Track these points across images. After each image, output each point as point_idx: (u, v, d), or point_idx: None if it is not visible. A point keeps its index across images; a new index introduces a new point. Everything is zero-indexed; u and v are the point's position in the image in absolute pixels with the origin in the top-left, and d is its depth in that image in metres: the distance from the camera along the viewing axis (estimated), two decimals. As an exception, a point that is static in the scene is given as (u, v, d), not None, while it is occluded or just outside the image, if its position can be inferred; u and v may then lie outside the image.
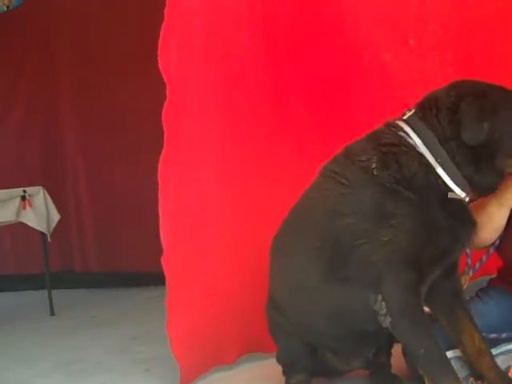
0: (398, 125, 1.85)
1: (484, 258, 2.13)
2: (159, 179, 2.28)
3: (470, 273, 2.12)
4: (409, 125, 1.83)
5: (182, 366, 2.37)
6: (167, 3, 2.25)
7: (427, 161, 1.79)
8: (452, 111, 1.79)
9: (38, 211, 3.94)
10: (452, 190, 1.80)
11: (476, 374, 1.94)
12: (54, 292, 4.16)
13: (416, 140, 1.80)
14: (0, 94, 5.19)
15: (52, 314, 4.10)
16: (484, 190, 1.86)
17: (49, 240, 4.07)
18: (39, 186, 4.04)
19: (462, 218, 1.83)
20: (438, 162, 1.78)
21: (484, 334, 1.92)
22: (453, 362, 1.95)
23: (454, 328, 1.93)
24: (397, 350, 2.11)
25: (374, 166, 1.80)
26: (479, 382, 1.95)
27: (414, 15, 2.62)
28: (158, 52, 2.27)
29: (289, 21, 2.62)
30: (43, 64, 5.01)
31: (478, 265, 2.14)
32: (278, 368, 2.17)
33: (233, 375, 2.50)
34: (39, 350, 3.21)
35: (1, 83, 5.14)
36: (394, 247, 1.75)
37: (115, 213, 4.87)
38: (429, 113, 1.82)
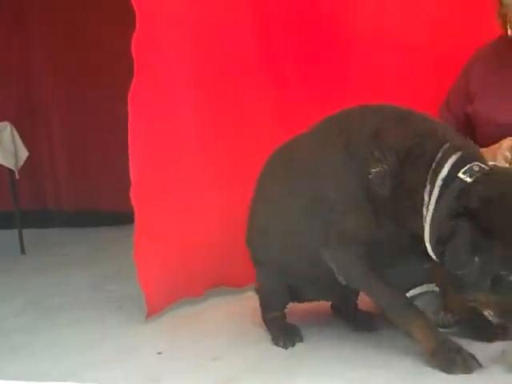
0: (438, 174, 1.67)
1: None
2: (129, 110, 2.23)
3: None
4: (451, 182, 1.65)
5: (148, 296, 2.40)
6: None
7: (417, 223, 1.69)
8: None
9: (5, 147, 3.87)
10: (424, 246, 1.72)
11: (447, 307, 1.97)
12: (25, 231, 4.11)
13: (431, 204, 1.67)
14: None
15: (23, 252, 4.06)
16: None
17: (17, 177, 4.00)
18: (6, 121, 3.94)
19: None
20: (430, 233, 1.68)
21: None
22: (424, 297, 1.99)
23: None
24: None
25: (375, 170, 1.73)
26: (450, 315, 1.98)
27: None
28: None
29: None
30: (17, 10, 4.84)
31: None
32: (252, 303, 2.19)
33: (204, 310, 2.52)
34: (10, 288, 3.18)
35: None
36: (347, 226, 1.79)
37: (88, 151, 4.81)
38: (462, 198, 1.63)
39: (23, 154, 4.01)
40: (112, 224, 4.46)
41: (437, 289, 1.99)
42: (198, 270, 2.51)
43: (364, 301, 2.15)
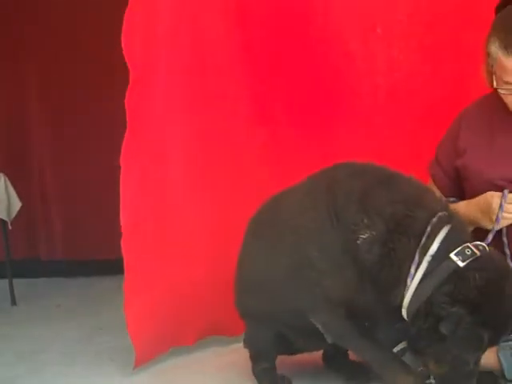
0: (428, 248, 1.71)
1: None
2: (121, 164, 2.28)
3: None
4: (442, 260, 1.70)
5: (136, 346, 2.39)
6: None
7: (399, 292, 1.73)
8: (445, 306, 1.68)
9: (-1, 198, 3.87)
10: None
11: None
12: (16, 281, 4.07)
13: (416, 277, 1.70)
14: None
15: (13, 303, 4.02)
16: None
17: (9, 227, 4.00)
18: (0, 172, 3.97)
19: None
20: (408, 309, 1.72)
21: None
22: (407, 355, 1.97)
23: None
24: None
25: (364, 236, 1.75)
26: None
27: (383, 4, 2.61)
28: (122, 37, 2.24)
29: (262, 10, 2.60)
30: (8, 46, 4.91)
31: None
32: (243, 354, 2.18)
33: (193, 362, 2.50)
34: (1, 340, 3.14)
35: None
36: (331, 291, 1.81)
37: (81, 202, 4.81)
38: (459, 286, 1.68)
39: (16, 204, 4.01)
40: (105, 274, 4.42)
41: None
42: (189, 320, 2.51)
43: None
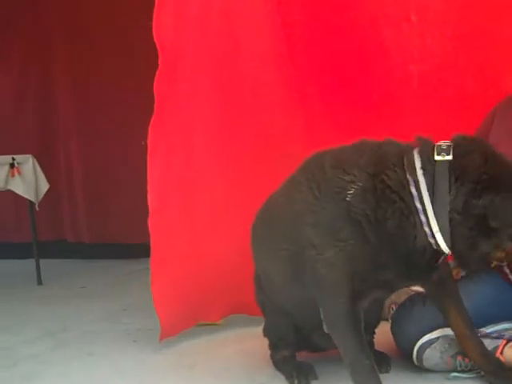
0: (413, 165, 1.69)
1: None
2: (148, 143, 2.31)
3: None
4: (433, 166, 1.67)
5: (162, 320, 2.43)
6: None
7: (418, 218, 1.67)
8: (473, 191, 1.65)
9: (27, 180, 3.92)
10: (438, 247, 1.71)
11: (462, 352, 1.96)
12: (43, 262, 4.13)
13: (424, 195, 1.66)
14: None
15: (39, 283, 4.08)
16: (466, 268, 1.79)
17: (37, 209, 4.05)
18: (29, 154, 4.01)
19: (425, 271, 1.78)
20: (438, 225, 1.67)
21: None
22: (439, 342, 1.98)
23: (442, 311, 1.94)
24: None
25: (351, 191, 1.72)
26: (467, 359, 1.95)
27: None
28: (153, 22, 2.25)
29: (299, 6, 2.58)
30: (36, 35, 4.95)
31: None
32: (265, 340, 2.17)
33: (218, 343, 2.51)
34: (25, 317, 3.19)
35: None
36: (333, 263, 1.75)
37: (107, 185, 4.85)
38: (458, 174, 1.66)
39: (44, 186, 4.06)
40: (130, 257, 4.47)
41: (452, 333, 1.95)
42: (214, 297, 2.55)
43: (380, 341, 2.14)
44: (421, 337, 1.99)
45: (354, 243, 1.72)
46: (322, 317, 1.85)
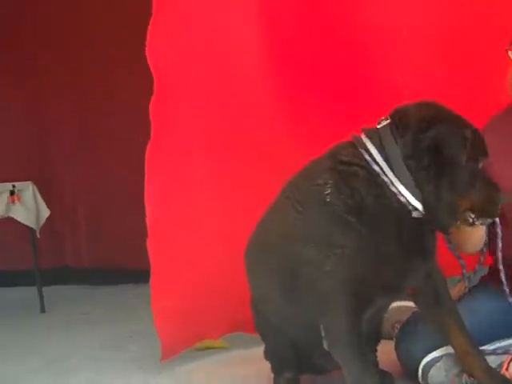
0: (360, 139, 1.78)
1: (482, 258, 2.09)
2: (146, 167, 2.34)
3: (466, 282, 2.09)
4: (379, 136, 1.75)
5: (163, 339, 2.45)
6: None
7: (383, 180, 1.72)
8: (418, 131, 1.72)
9: (27, 206, 3.93)
10: (415, 209, 1.73)
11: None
12: (45, 289, 4.13)
13: (376, 157, 1.73)
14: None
15: (42, 311, 4.07)
16: (439, 224, 1.77)
17: (38, 236, 4.05)
18: (29, 181, 4.02)
19: (418, 247, 1.78)
20: (400, 181, 1.71)
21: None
22: (444, 360, 1.96)
23: (442, 331, 1.92)
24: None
25: (327, 191, 1.75)
26: (472, 378, 1.94)
27: (409, 7, 2.59)
28: (146, 46, 2.26)
29: (289, 15, 2.60)
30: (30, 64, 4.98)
31: (477, 267, 2.10)
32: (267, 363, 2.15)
33: (223, 365, 2.50)
34: (29, 346, 3.19)
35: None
36: (335, 276, 1.74)
37: (107, 210, 4.86)
38: (399, 127, 1.74)
39: (45, 212, 4.07)
40: (132, 282, 4.46)
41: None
42: (214, 315, 2.56)
43: (384, 360, 2.12)
44: (426, 355, 1.98)
45: (349, 244, 1.73)
46: (322, 335, 1.83)
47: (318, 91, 2.65)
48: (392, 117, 1.77)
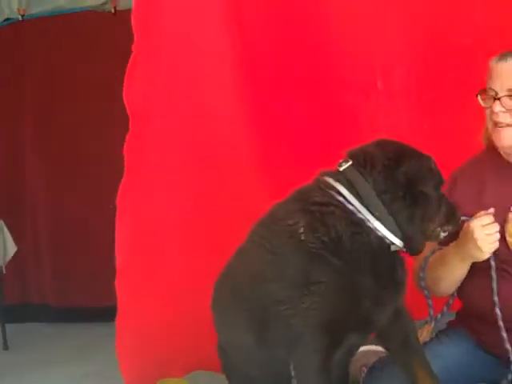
0: (327, 182, 1.80)
1: (451, 301, 2.13)
2: (117, 205, 2.33)
3: (433, 324, 2.11)
4: (345, 177, 1.79)
5: (126, 377, 2.40)
6: (135, 38, 2.27)
7: (358, 218, 1.75)
8: (389, 168, 1.77)
9: (-6, 243, 3.88)
10: (391, 243, 1.77)
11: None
12: (9, 326, 4.06)
13: (347, 196, 1.76)
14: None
15: (5, 348, 4.00)
16: (411, 246, 1.81)
17: (3, 272, 3.99)
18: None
19: (391, 279, 1.81)
20: (376, 216, 1.75)
21: None
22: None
23: (408, 373, 1.91)
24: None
25: (301, 230, 1.77)
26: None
27: (382, 59, 2.67)
28: (124, 87, 2.29)
29: (268, 60, 2.64)
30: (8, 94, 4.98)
31: (445, 309, 2.13)
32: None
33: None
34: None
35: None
36: (311, 313, 1.74)
37: (74, 247, 4.81)
38: (366, 167, 1.78)
39: (12, 248, 4.02)
40: (97, 320, 4.39)
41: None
42: (178, 353, 2.54)
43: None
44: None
45: (326, 280, 1.73)
46: (292, 374, 1.81)
47: (288, 133, 2.68)
48: (353, 158, 1.81)
